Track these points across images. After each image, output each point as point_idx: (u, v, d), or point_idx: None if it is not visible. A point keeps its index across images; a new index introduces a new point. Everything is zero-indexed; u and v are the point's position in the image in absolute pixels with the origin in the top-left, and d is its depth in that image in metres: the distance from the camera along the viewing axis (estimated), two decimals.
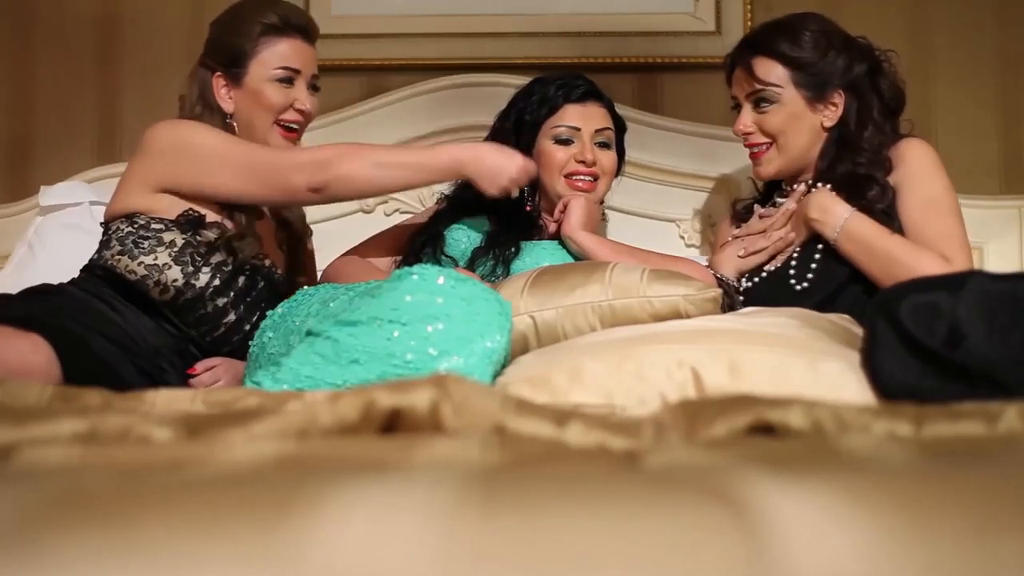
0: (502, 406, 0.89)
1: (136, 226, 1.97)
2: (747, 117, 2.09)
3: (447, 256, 2.16)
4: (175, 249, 1.94)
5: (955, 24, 2.79)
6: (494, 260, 2.10)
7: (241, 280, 2.00)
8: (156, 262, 1.93)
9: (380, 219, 2.61)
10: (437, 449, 0.78)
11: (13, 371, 1.67)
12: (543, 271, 1.82)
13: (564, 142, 2.23)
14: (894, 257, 1.88)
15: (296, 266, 2.19)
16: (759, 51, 2.07)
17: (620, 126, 2.32)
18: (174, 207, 1.98)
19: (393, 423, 0.89)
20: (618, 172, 2.34)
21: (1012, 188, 2.70)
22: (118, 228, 1.97)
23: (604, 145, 2.25)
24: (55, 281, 2.00)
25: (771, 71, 2.05)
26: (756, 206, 2.20)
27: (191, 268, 1.94)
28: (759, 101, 2.06)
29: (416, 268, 1.60)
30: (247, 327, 2.01)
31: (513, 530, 0.56)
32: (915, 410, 0.92)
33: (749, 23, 2.74)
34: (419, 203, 2.61)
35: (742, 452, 0.78)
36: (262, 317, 2.02)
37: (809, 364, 1.45)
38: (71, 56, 2.80)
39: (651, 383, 1.45)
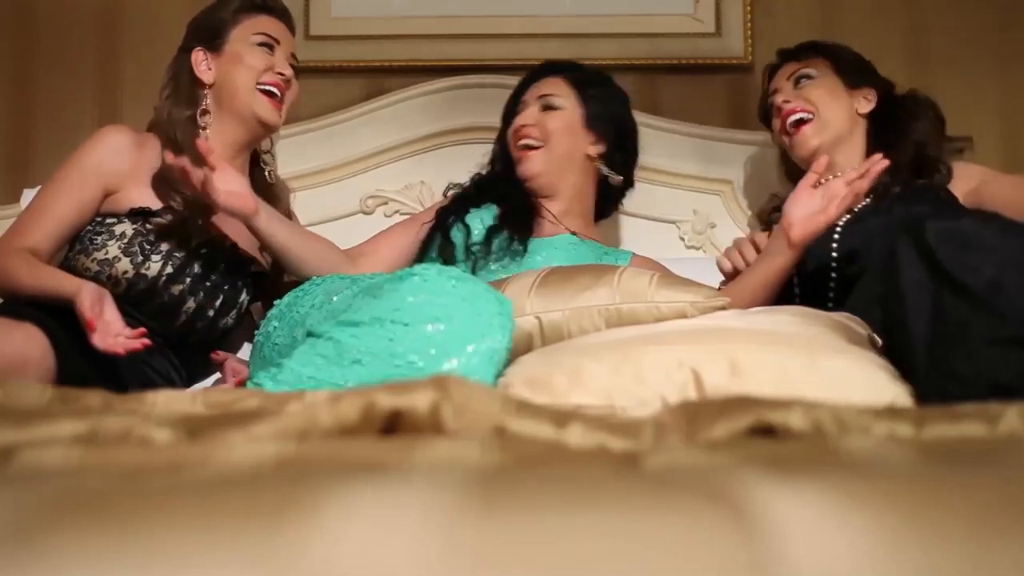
0: (502, 407, 0.89)
1: (95, 222, 1.99)
2: (786, 92, 2.20)
3: (464, 223, 2.19)
4: (124, 240, 1.94)
5: (955, 25, 2.79)
6: (509, 235, 2.12)
7: (197, 265, 1.98)
8: (107, 256, 1.93)
9: (380, 220, 2.61)
10: (438, 450, 0.78)
11: (8, 362, 1.68)
12: (551, 271, 1.81)
13: (514, 115, 2.30)
14: None
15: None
16: (805, 50, 2.26)
17: (595, 94, 2.31)
18: (132, 197, 2.00)
19: (393, 424, 0.89)
20: (613, 153, 2.33)
21: None
22: (85, 227, 2.00)
23: (550, 108, 2.26)
24: None
25: (815, 56, 2.23)
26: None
27: (140, 258, 1.93)
28: (799, 79, 2.20)
29: (417, 268, 1.61)
30: (210, 313, 2.00)
31: (513, 531, 0.56)
32: (915, 411, 0.92)
33: (749, 24, 2.74)
34: (419, 204, 2.61)
35: (742, 453, 0.78)
36: (227, 302, 2.02)
37: (810, 362, 1.45)
38: (71, 56, 2.80)
39: (651, 384, 1.45)
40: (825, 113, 2.16)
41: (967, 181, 2.08)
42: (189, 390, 1.86)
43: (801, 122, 2.15)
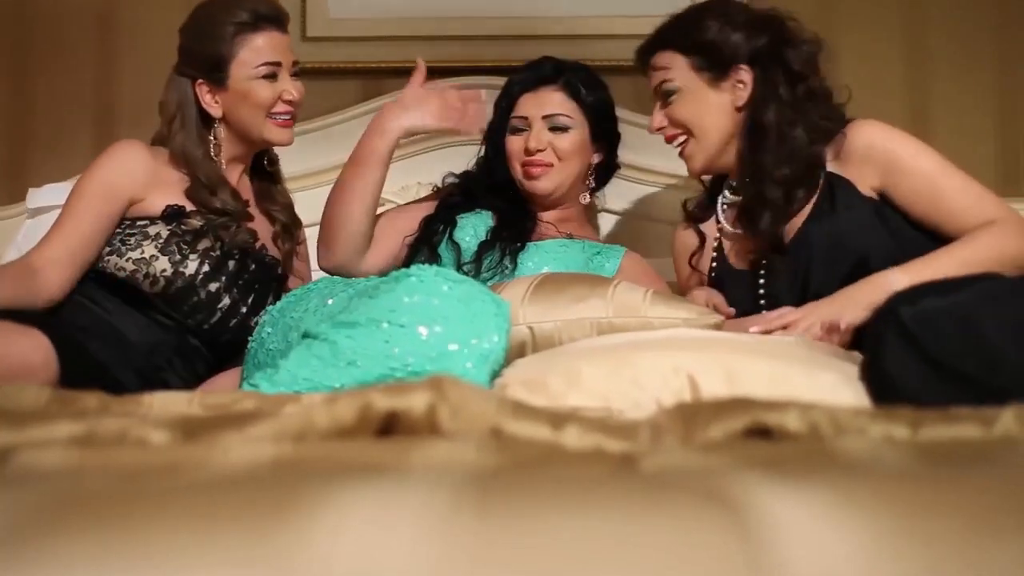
0: (499, 409, 0.89)
1: (123, 225, 2.00)
2: (657, 115, 2.01)
3: (454, 242, 2.16)
4: (161, 240, 1.96)
5: (952, 25, 2.79)
6: (501, 252, 2.10)
7: (231, 264, 2.01)
8: (143, 255, 1.95)
9: None
10: (434, 452, 0.78)
11: (12, 368, 1.67)
12: (546, 279, 1.80)
13: (517, 132, 2.24)
14: (969, 263, 1.67)
15: (290, 258, 2.18)
16: (657, 47, 2.01)
17: (594, 105, 2.27)
18: (158, 204, 2.00)
19: (390, 426, 0.89)
20: (609, 156, 2.32)
21: (1008, 190, 2.70)
22: (116, 231, 2.00)
23: (558, 129, 2.22)
24: None
25: (669, 61, 1.98)
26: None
27: (178, 256, 1.96)
28: (665, 94, 1.99)
29: (413, 270, 1.60)
30: (243, 309, 2.01)
31: (509, 532, 0.56)
32: (912, 413, 0.92)
33: None
34: None
35: (738, 455, 0.79)
36: (258, 300, 2.03)
37: (806, 374, 1.45)
38: (69, 58, 2.80)
39: (648, 389, 1.45)
40: (699, 129, 1.95)
41: (870, 172, 1.84)
42: (186, 392, 1.86)
43: (682, 143, 2.00)
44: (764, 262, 1.90)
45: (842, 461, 0.77)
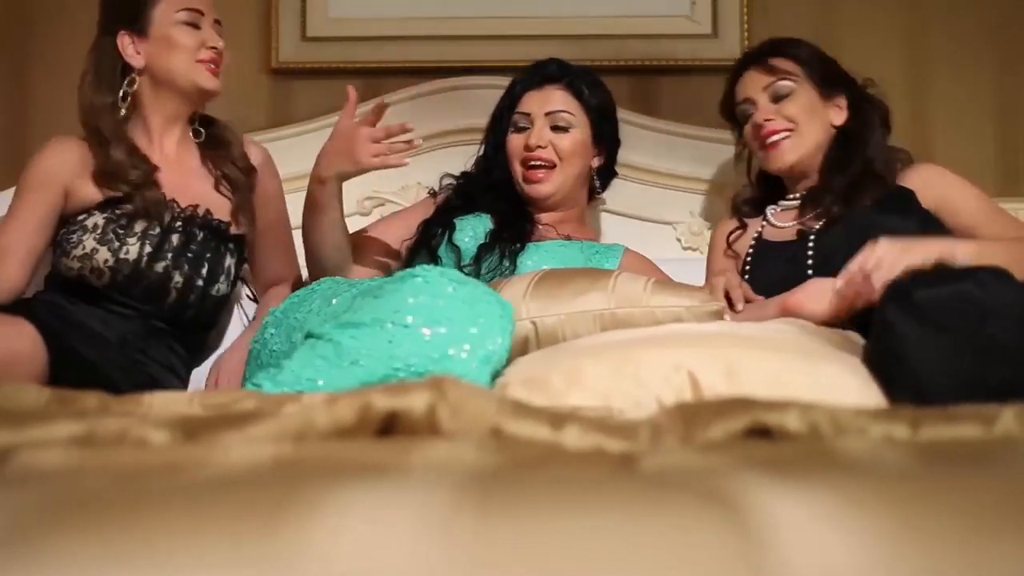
0: (499, 409, 0.89)
1: (68, 223, 2.00)
2: (768, 107, 2.14)
3: (454, 244, 2.16)
4: (98, 231, 1.95)
5: (952, 25, 2.79)
6: (500, 253, 2.10)
7: (175, 238, 1.99)
8: (85, 251, 1.94)
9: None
10: (434, 452, 0.78)
11: (1, 356, 1.68)
12: (547, 274, 1.81)
13: (519, 129, 2.24)
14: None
15: (245, 208, 2.14)
16: (773, 53, 2.18)
17: (597, 108, 2.28)
18: (92, 196, 2.00)
19: (390, 426, 0.89)
20: (609, 159, 2.33)
21: (1008, 191, 2.70)
22: (61, 231, 2.00)
23: (560, 128, 2.22)
24: None
25: (790, 66, 2.16)
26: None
27: (116, 243, 1.94)
28: (778, 94, 2.14)
29: (418, 270, 1.60)
30: (199, 282, 2.00)
31: (509, 533, 0.56)
32: (912, 413, 0.92)
33: (746, 26, 2.74)
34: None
35: (738, 455, 0.79)
36: (213, 268, 2.02)
37: (807, 368, 1.46)
38: (69, 58, 2.80)
39: (648, 386, 1.45)
40: (804, 129, 2.12)
41: (929, 185, 2.06)
42: (186, 392, 1.86)
43: (785, 136, 2.13)
44: (817, 229, 2.05)
45: (842, 461, 0.77)
